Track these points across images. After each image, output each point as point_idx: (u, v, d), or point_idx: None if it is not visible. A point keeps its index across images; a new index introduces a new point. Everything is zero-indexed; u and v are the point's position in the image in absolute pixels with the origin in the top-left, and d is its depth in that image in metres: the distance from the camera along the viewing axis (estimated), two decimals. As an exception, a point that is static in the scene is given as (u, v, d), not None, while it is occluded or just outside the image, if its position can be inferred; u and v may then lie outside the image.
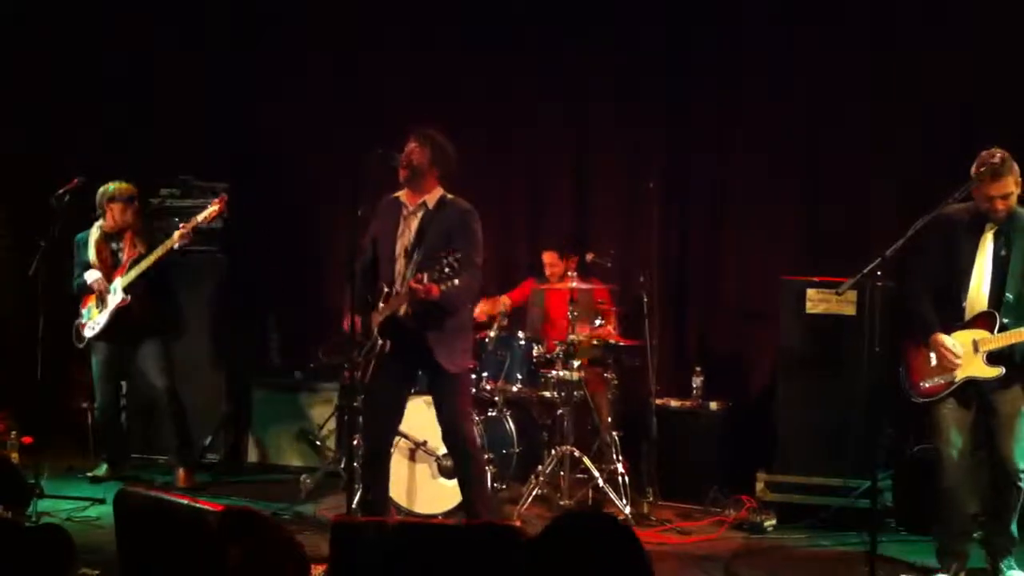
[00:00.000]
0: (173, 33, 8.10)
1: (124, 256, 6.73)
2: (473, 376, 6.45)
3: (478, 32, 7.72)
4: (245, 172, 7.76)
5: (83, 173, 6.34)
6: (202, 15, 8.09)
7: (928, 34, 6.81)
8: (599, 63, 7.55)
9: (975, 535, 5.13)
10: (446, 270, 4.71)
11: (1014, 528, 5.04)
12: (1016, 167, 4.82)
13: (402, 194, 5.21)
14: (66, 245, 6.71)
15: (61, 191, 6.20)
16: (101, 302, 6.70)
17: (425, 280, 4.77)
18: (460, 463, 5.25)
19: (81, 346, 6.77)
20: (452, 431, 5.20)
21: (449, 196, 5.18)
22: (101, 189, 6.75)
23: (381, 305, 5.12)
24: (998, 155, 4.79)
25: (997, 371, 4.85)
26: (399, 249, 5.15)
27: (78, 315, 6.79)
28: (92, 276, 6.72)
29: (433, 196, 5.15)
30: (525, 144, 7.79)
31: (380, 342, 5.08)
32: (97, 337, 6.73)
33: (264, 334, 7.88)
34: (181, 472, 6.79)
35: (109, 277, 6.71)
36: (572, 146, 7.70)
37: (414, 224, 5.14)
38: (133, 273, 6.62)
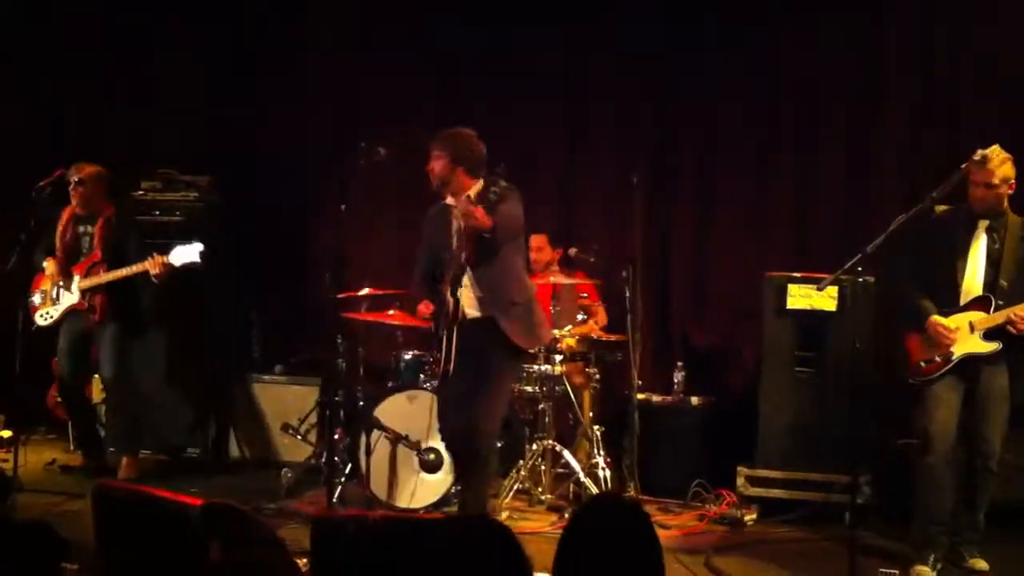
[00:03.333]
0: (170, 30, 8.09)
1: (93, 243, 6.60)
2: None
3: (471, 31, 7.71)
4: (229, 166, 7.74)
5: (65, 165, 6.30)
6: (200, 11, 8.07)
7: (920, 34, 6.86)
8: (589, 62, 7.54)
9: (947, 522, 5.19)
10: (492, 194, 4.79)
11: (982, 518, 5.17)
12: (1008, 166, 5.01)
13: (448, 199, 5.23)
14: (48, 238, 6.67)
15: (42, 183, 6.16)
16: (56, 294, 6.60)
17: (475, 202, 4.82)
18: (468, 460, 5.20)
19: (32, 329, 6.56)
20: (468, 427, 5.13)
21: (492, 185, 5.11)
22: None
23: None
24: (992, 147, 5.00)
25: (994, 345, 5.03)
26: (455, 248, 5.16)
27: (28, 293, 6.62)
28: (49, 266, 6.63)
29: (475, 191, 5.14)
30: (516, 141, 7.78)
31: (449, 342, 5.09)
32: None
33: (246, 328, 7.86)
34: (123, 461, 6.66)
35: (68, 260, 6.60)
36: (560, 143, 7.71)
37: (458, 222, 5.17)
38: (92, 282, 6.50)
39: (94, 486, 3.53)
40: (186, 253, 6.30)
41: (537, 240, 7.03)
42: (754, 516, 6.07)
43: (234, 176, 7.68)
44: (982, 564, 5.14)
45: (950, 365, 5.07)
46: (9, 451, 6.21)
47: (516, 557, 2.79)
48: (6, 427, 6.83)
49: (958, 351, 5.06)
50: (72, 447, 7.19)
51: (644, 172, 7.01)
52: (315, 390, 7.17)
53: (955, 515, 5.22)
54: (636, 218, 6.78)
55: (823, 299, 6.14)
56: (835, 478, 5.93)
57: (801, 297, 6.22)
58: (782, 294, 6.27)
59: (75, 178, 6.57)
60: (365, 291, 6.48)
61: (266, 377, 7.46)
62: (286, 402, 7.29)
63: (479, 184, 5.12)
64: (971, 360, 5.06)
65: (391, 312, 6.50)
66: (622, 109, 7.53)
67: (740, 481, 6.25)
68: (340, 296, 6.34)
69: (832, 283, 5.25)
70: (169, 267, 6.30)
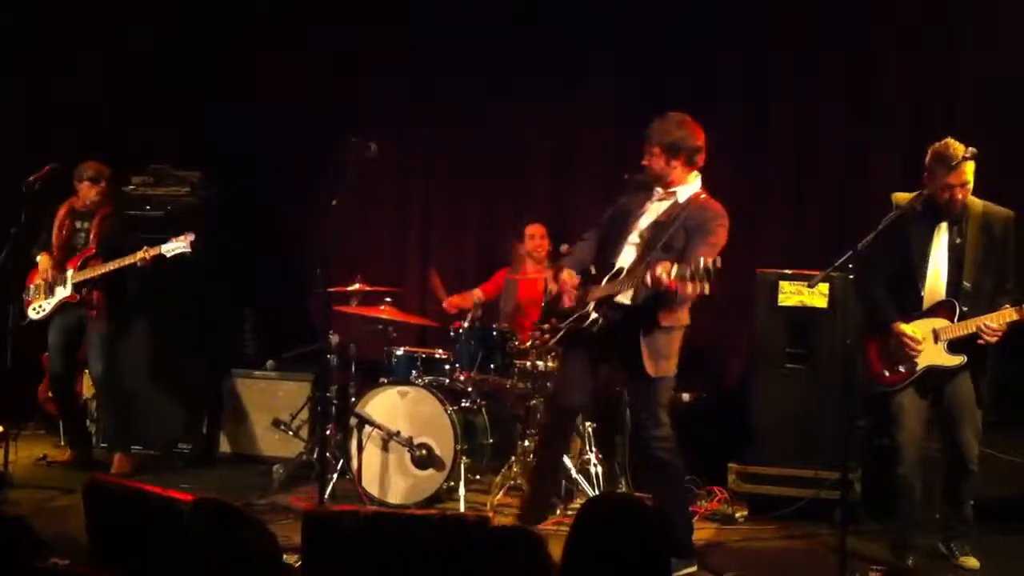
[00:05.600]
0: (168, 26, 8.08)
1: (90, 238, 6.66)
2: (447, 367, 6.47)
3: (470, 31, 7.70)
4: (222, 162, 7.73)
5: (57, 161, 6.30)
6: (201, 11, 8.07)
7: (904, 35, 6.87)
8: (587, 61, 7.53)
9: (930, 524, 5.24)
10: (701, 271, 4.43)
11: (970, 513, 5.17)
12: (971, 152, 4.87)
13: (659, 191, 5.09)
14: (38, 233, 6.67)
15: (33, 178, 6.18)
16: (50, 288, 6.62)
17: (673, 273, 4.49)
18: (653, 472, 5.15)
19: (24, 323, 6.65)
20: (642, 438, 5.08)
21: (703, 195, 5.00)
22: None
23: (604, 282, 4.98)
24: (953, 145, 4.86)
25: (959, 359, 4.95)
26: (635, 233, 5.02)
27: (24, 289, 6.69)
28: (43, 261, 6.66)
29: (686, 189, 5.00)
30: (512, 139, 7.78)
31: (593, 316, 4.95)
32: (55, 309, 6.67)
33: (238, 324, 7.85)
34: (115, 458, 6.70)
35: (63, 255, 6.64)
36: (554, 140, 7.70)
37: (659, 213, 5.02)
38: (87, 274, 6.54)
39: (86, 482, 3.54)
40: (177, 243, 6.39)
41: (536, 229, 7.03)
42: (745, 512, 6.09)
43: (227, 172, 7.69)
44: (972, 562, 5.14)
45: (914, 376, 5.01)
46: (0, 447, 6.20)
47: (510, 554, 2.80)
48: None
49: (922, 363, 4.98)
50: (63, 442, 7.17)
51: (634, 171, 7.01)
52: (307, 386, 7.19)
53: (943, 513, 5.25)
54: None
55: (814, 296, 6.15)
56: (826, 474, 5.93)
57: (792, 294, 6.23)
58: (773, 291, 6.27)
59: (88, 174, 6.66)
60: (356, 286, 6.48)
61: (258, 373, 7.45)
62: (278, 398, 7.29)
63: (696, 179, 5.02)
64: (935, 370, 5.00)
65: (383, 307, 6.50)
66: (617, 107, 7.52)
67: (731, 478, 6.26)
68: (331, 291, 6.34)
69: (823, 280, 5.24)
70: (158, 258, 6.38)
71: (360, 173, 5.27)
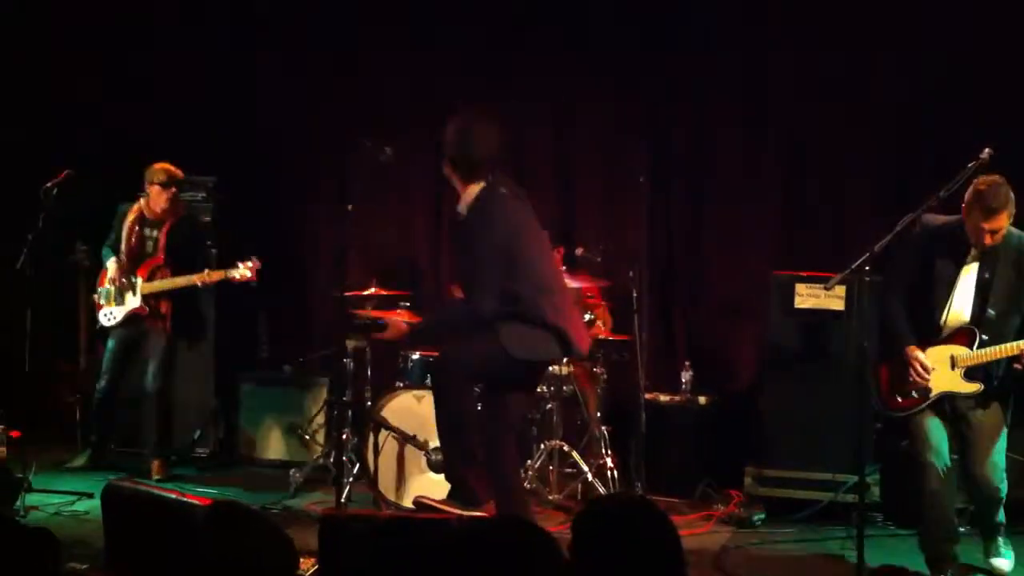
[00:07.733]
0: (170, 29, 8.10)
1: (157, 248, 6.74)
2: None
3: (469, 31, 7.70)
4: (235, 166, 7.75)
5: (74, 166, 6.33)
6: (201, 11, 8.10)
7: (900, 33, 6.85)
8: (588, 62, 7.54)
9: (963, 529, 5.17)
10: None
11: (1002, 515, 5.08)
12: (1012, 199, 4.71)
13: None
14: (54, 238, 6.69)
15: (50, 184, 6.19)
16: (119, 294, 6.71)
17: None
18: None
19: (97, 328, 6.83)
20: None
21: (482, 195, 4.77)
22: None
23: None
24: (996, 189, 4.67)
25: (975, 387, 4.83)
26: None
27: (95, 290, 6.84)
28: (112, 266, 6.76)
29: (466, 200, 4.82)
30: (511, 142, 7.77)
31: None
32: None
33: (253, 328, 7.86)
34: (155, 463, 6.78)
35: (132, 263, 6.72)
36: (558, 142, 7.70)
37: (456, 229, 5.05)
38: (155, 288, 6.66)
39: (104, 487, 3.55)
40: (244, 268, 6.55)
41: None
42: (762, 516, 6.07)
43: (240, 177, 7.70)
44: (1004, 563, 5.07)
45: (928, 403, 4.87)
46: (18, 452, 6.22)
47: (525, 558, 2.79)
48: (15, 427, 6.84)
49: (936, 389, 4.84)
50: (80, 447, 7.19)
51: (644, 171, 7.01)
52: (323, 390, 7.18)
53: (973, 520, 5.16)
54: (641, 218, 6.77)
55: (831, 298, 6.13)
56: (843, 478, 5.92)
57: (809, 296, 6.21)
58: (789, 293, 6.26)
59: (159, 179, 6.69)
60: (371, 290, 6.49)
61: (274, 377, 7.46)
62: (294, 402, 7.30)
63: (478, 188, 4.83)
64: (950, 397, 4.87)
65: (398, 311, 6.50)
66: (617, 107, 7.52)
67: (748, 480, 6.24)
68: (347, 295, 6.35)
69: (840, 282, 5.20)
70: (223, 281, 6.59)
71: (374, 176, 5.28)
